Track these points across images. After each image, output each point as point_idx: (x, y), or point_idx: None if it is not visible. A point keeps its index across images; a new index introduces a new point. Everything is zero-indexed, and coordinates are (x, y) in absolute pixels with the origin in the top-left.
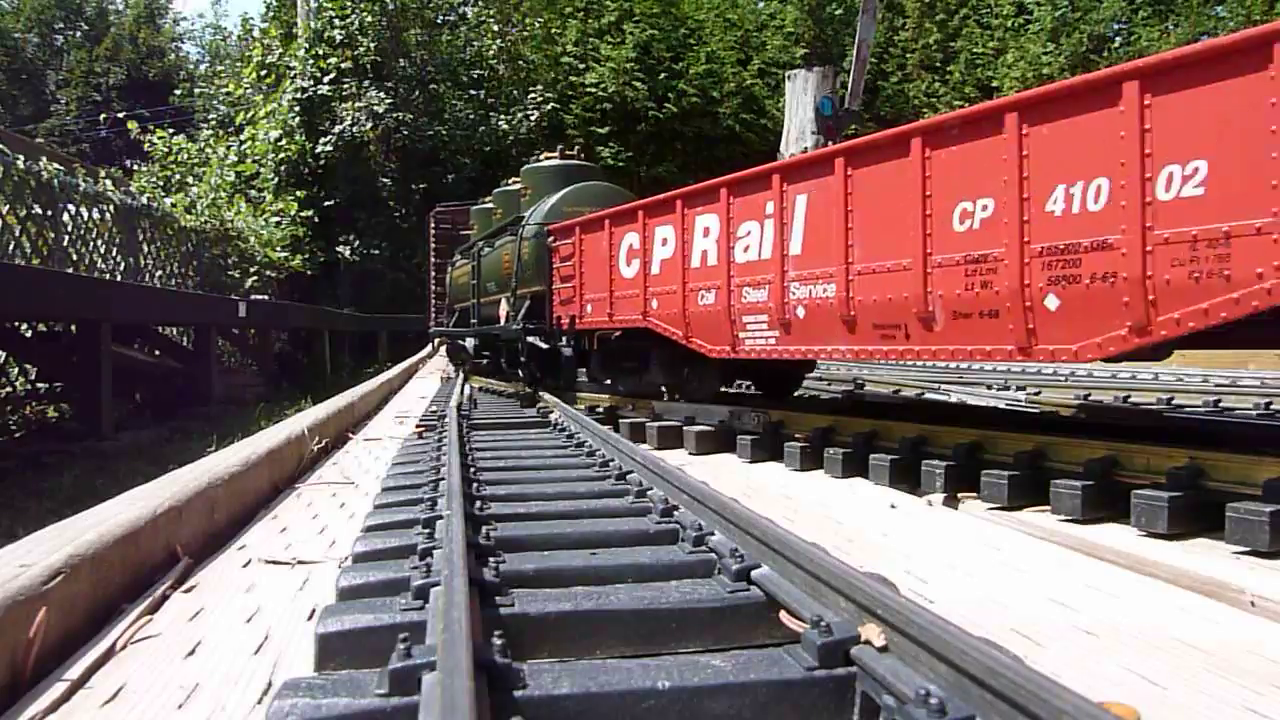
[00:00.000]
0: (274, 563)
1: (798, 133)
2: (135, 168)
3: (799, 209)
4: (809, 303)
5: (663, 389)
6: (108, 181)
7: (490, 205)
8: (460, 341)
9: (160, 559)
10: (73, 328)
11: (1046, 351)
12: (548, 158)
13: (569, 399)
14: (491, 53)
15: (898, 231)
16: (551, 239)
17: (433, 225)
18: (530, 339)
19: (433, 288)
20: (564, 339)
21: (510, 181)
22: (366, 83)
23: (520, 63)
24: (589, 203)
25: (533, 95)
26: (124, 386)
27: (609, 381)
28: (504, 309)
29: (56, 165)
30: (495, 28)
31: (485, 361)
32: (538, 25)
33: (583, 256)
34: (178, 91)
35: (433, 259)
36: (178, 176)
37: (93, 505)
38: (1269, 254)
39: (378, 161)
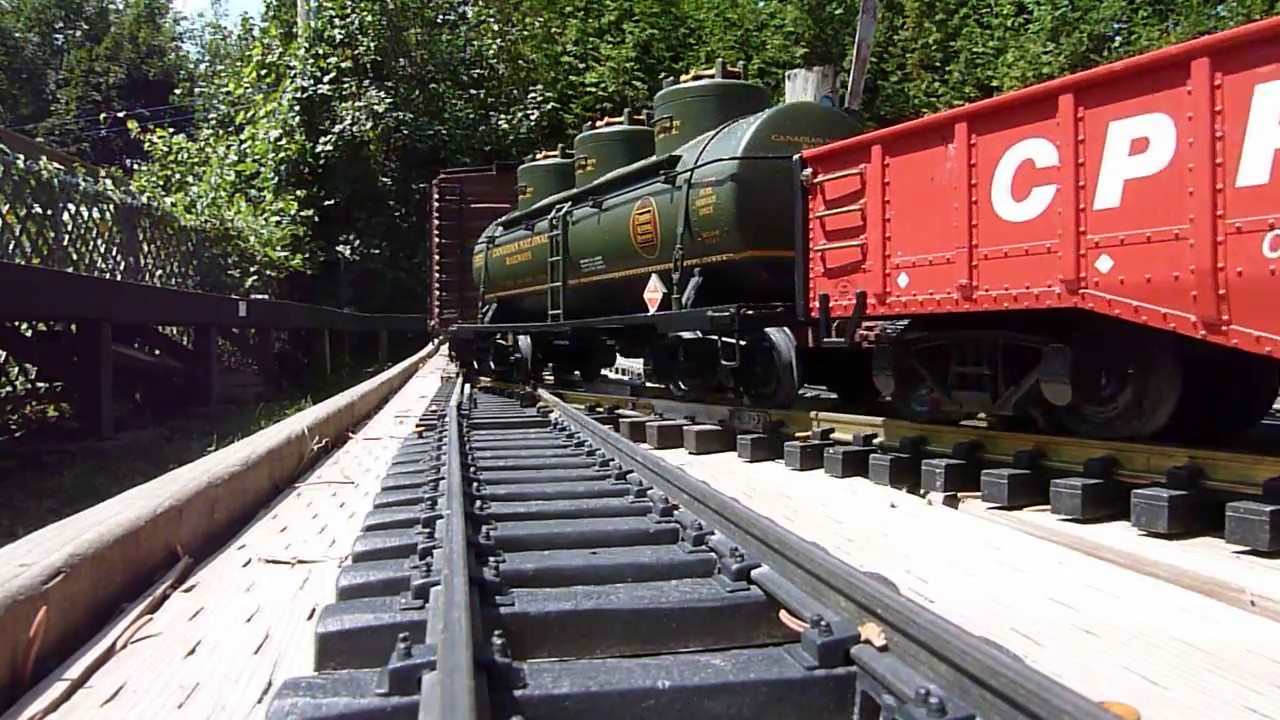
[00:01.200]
0: (274, 562)
1: None
2: (135, 167)
3: None
4: None
5: (1034, 413)
6: (108, 181)
7: (558, 161)
8: (503, 340)
9: (160, 558)
10: (73, 328)
11: None
12: (699, 77)
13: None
14: (491, 52)
15: None
16: (809, 173)
17: (436, 196)
18: (707, 333)
19: (436, 275)
20: (832, 330)
21: (598, 123)
22: (366, 82)
23: (520, 62)
24: (811, 130)
25: (533, 95)
26: (124, 386)
27: (890, 396)
28: (655, 289)
29: (56, 165)
30: (495, 27)
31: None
32: (538, 25)
33: (886, 195)
34: (178, 91)
35: (436, 239)
36: (178, 176)
37: (93, 505)
38: None
39: (378, 161)
